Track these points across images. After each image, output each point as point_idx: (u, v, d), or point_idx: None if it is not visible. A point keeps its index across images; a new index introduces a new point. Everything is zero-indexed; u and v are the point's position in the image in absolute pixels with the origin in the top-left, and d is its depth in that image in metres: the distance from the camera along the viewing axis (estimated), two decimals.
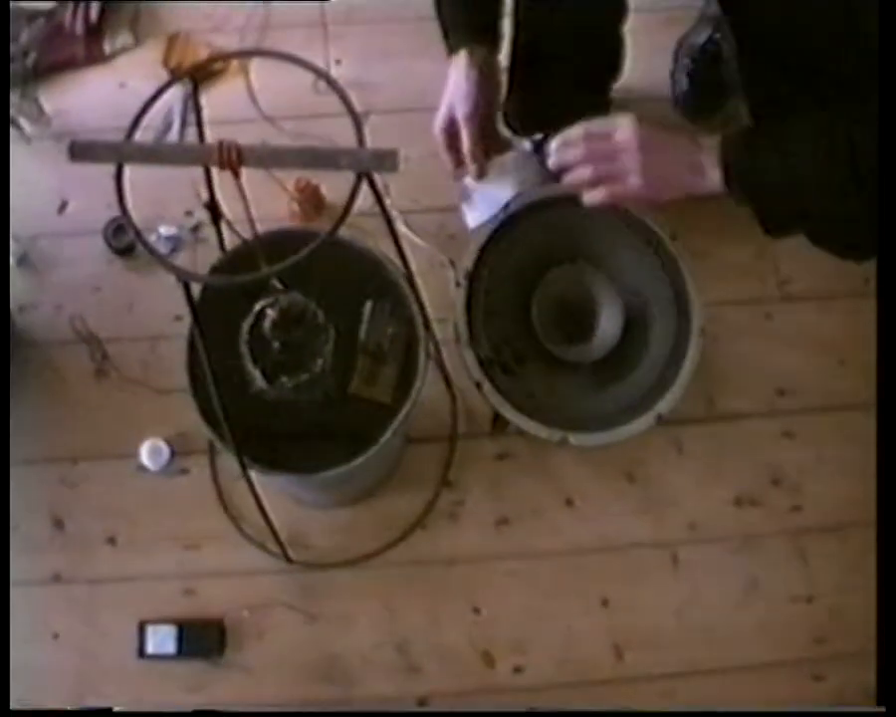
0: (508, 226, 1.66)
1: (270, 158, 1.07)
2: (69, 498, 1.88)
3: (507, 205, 1.63)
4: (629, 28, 1.83)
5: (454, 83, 1.59)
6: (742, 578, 1.86)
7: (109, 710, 1.76)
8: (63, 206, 2.06)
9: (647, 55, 2.07)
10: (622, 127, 1.43)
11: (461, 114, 1.57)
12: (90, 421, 1.92)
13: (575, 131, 1.45)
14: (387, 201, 1.24)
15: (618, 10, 1.77)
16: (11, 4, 2.07)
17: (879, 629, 1.42)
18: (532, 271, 1.67)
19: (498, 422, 1.83)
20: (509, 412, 1.60)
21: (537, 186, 1.66)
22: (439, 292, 1.69)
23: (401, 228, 1.44)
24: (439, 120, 1.60)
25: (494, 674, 1.81)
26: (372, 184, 1.11)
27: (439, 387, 1.83)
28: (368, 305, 1.52)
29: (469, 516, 1.88)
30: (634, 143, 1.42)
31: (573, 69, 1.72)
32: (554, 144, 1.46)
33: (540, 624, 1.83)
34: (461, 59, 1.58)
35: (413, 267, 1.43)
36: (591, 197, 1.45)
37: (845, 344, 1.98)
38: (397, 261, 1.42)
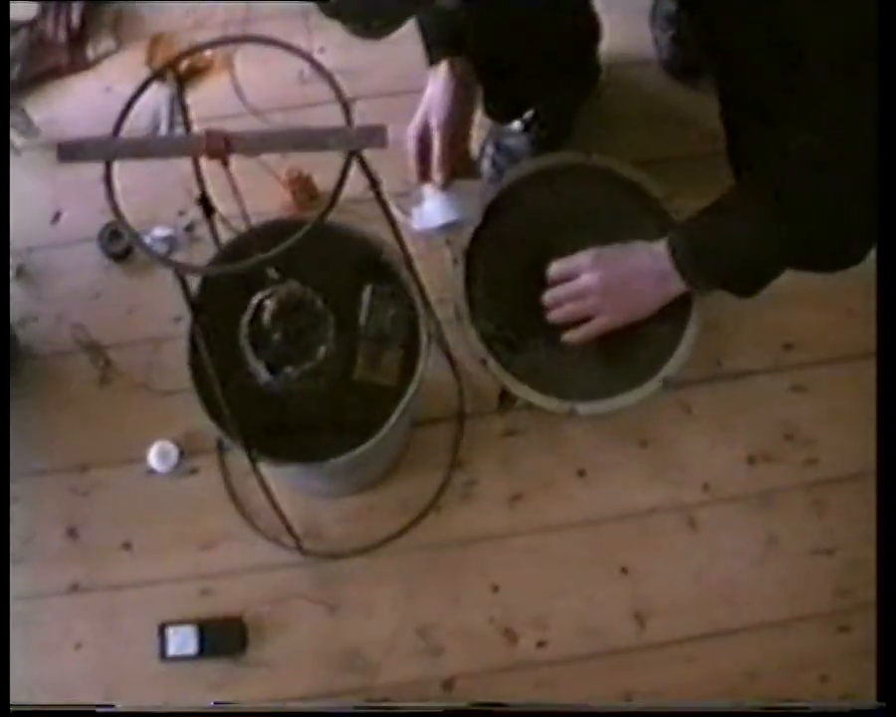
0: (505, 200, 1.65)
1: (258, 144, 1.07)
2: (81, 506, 1.88)
3: (444, 227, 1.63)
4: None
5: (432, 92, 1.59)
6: (760, 535, 1.86)
7: (110, 708, 1.76)
8: (56, 216, 2.05)
9: (628, 19, 2.07)
10: (584, 271, 1.58)
11: (435, 121, 1.57)
12: (97, 428, 1.91)
13: (553, 271, 1.61)
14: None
15: None
16: None
17: (879, 629, 1.42)
18: (531, 245, 1.66)
19: (505, 399, 1.83)
20: (515, 387, 1.59)
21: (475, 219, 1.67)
22: (438, 272, 1.69)
23: (395, 211, 1.43)
24: (412, 127, 1.59)
25: (517, 651, 1.80)
26: (363, 163, 1.10)
27: (443, 368, 1.82)
28: (368, 290, 1.51)
29: (482, 495, 1.87)
30: (598, 287, 1.57)
31: (544, 49, 1.70)
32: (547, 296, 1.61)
33: (560, 598, 1.82)
34: (441, 69, 1.58)
35: (410, 249, 1.42)
36: (570, 337, 1.60)
37: (851, 294, 1.96)
38: (394, 244, 1.42)
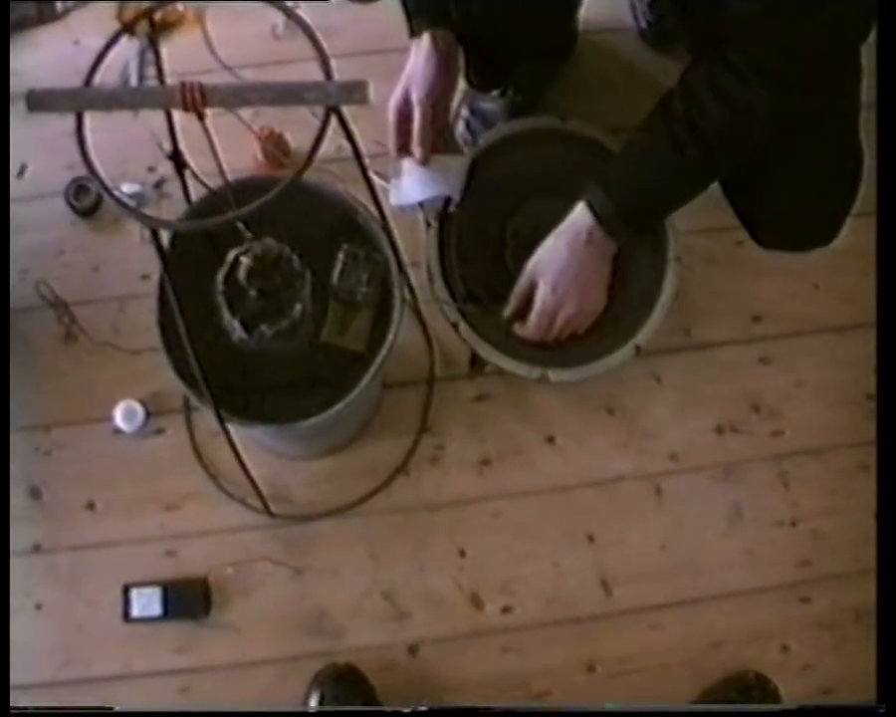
0: (480, 163, 1.64)
1: (234, 97, 1.04)
2: (45, 466, 1.86)
3: (422, 203, 1.61)
4: None
5: (414, 64, 1.55)
6: (725, 505, 1.87)
7: (110, 709, 1.75)
8: (22, 170, 2.01)
9: None
10: (535, 289, 1.55)
11: (417, 95, 1.54)
12: (61, 387, 1.89)
13: (509, 309, 1.59)
14: None
15: None
16: None
17: (879, 630, 1.43)
18: (505, 208, 1.65)
19: (476, 363, 1.82)
20: (486, 351, 1.59)
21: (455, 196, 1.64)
22: (411, 235, 1.67)
23: (371, 172, 1.41)
24: (392, 99, 1.56)
25: (483, 616, 1.81)
26: (342, 120, 1.09)
27: (415, 332, 1.82)
28: (342, 250, 1.49)
29: (450, 459, 1.87)
30: (551, 298, 1.54)
31: (527, 16, 1.68)
32: (517, 329, 1.60)
33: (526, 564, 1.83)
34: (424, 41, 1.54)
35: (385, 210, 1.41)
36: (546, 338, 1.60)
37: (819, 268, 1.98)
38: (368, 204, 1.40)
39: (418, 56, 1.54)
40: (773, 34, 1.28)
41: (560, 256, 1.53)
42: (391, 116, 1.56)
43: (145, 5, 2.06)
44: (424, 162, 1.56)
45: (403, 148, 1.57)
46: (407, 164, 1.59)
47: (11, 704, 1.43)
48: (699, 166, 1.47)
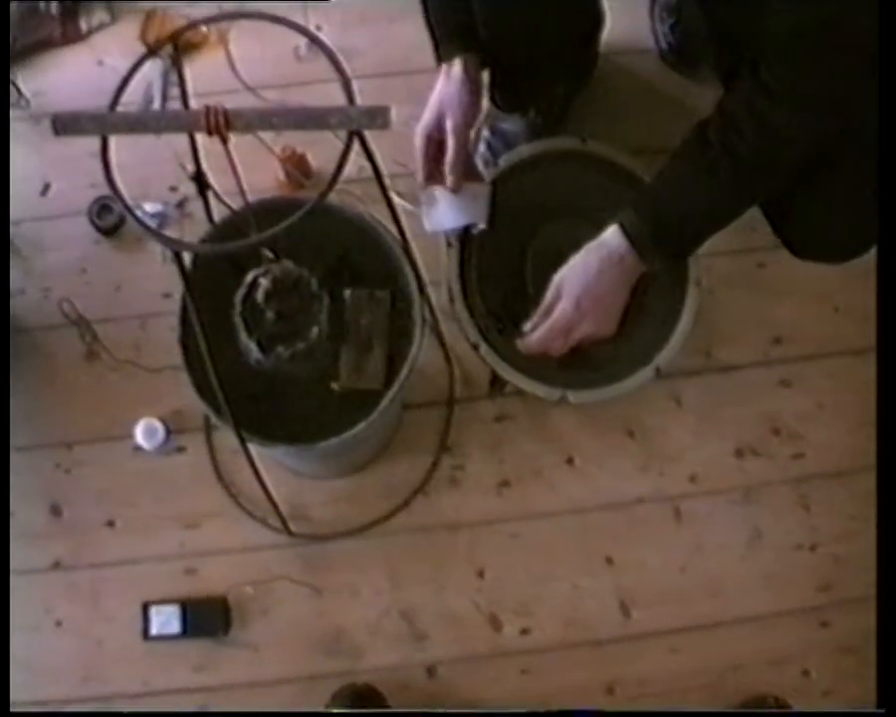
0: (500, 184, 1.64)
1: (258, 121, 1.05)
2: (65, 483, 1.86)
3: (466, 229, 1.62)
4: None
5: (447, 92, 1.55)
6: (745, 529, 1.86)
7: (110, 712, 1.77)
8: (45, 189, 2.03)
9: (628, 8, 2.05)
10: (556, 305, 1.53)
11: (452, 124, 1.54)
12: (83, 405, 1.90)
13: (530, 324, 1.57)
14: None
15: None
16: None
17: (879, 634, 1.42)
18: (525, 230, 1.65)
19: (495, 384, 1.82)
20: (506, 372, 1.59)
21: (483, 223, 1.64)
22: (431, 255, 1.68)
23: (392, 193, 1.42)
24: (423, 126, 1.56)
25: (501, 637, 1.81)
26: (364, 143, 1.09)
27: (435, 352, 1.82)
28: (346, 299, 1.50)
29: (470, 480, 1.87)
30: (574, 315, 1.52)
31: (552, 39, 1.69)
32: (518, 343, 1.58)
33: (545, 585, 1.83)
34: (455, 68, 1.55)
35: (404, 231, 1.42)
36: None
37: (839, 290, 1.97)
38: (389, 225, 1.41)
39: (450, 83, 1.55)
40: (806, 52, 1.28)
41: (589, 273, 1.52)
42: (421, 142, 1.56)
43: (169, 26, 2.10)
44: (457, 189, 1.57)
45: (432, 176, 1.58)
46: (439, 192, 1.60)
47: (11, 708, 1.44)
48: (735, 191, 1.45)
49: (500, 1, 1.54)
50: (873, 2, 1.23)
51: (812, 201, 1.56)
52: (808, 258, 1.67)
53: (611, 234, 1.51)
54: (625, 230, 1.49)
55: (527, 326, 1.57)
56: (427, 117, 1.56)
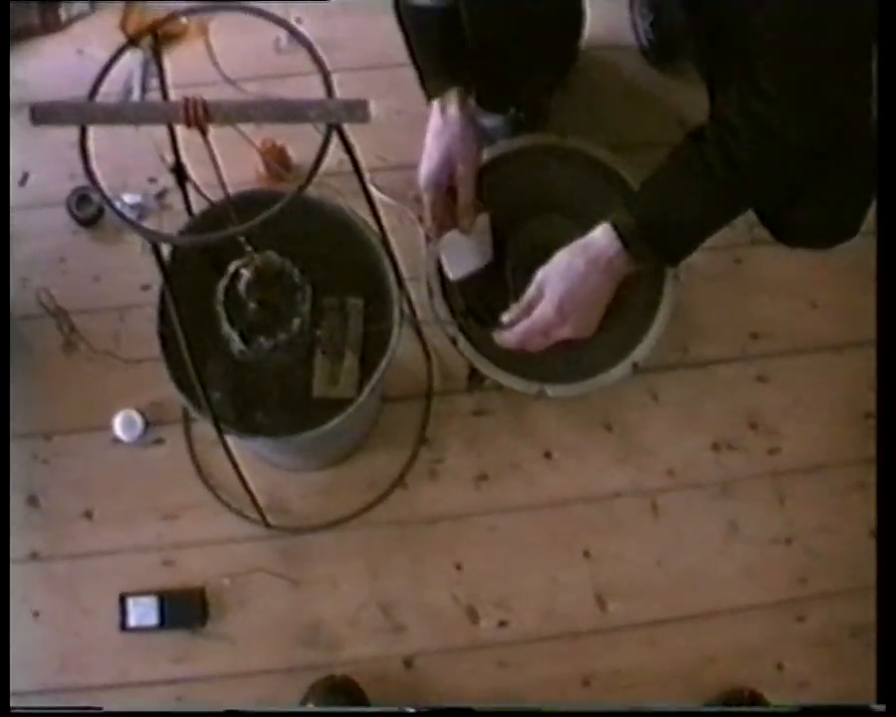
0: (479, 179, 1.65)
1: (237, 114, 1.05)
2: (43, 474, 1.86)
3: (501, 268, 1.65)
4: None
5: (450, 139, 1.57)
6: (722, 522, 1.87)
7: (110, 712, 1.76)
8: (24, 178, 2.02)
9: (608, 3, 2.06)
10: (536, 304, 1.53)
11: (463, 171, 1.57)
12: (61, 395, 1.89)
13: (508, 317, 1.56)
14: None
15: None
16: None
17: (879, 631, 1.43)
18: (504, 224, 1.66)
19: (474, 377, 1.83)
20: (485, 366, 1.59)
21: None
22: (410, 250, 1.68)
23: (370, 186, 1.42)
24: (431, 179, 1.58)
25: (479, 630, 1.81)
26: (343, 137, 1.10)
27: (414, 346, 1.82)
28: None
29: (448, 473, 1.87)
30: (555, 316, 1.51)
31: (536, 38, 1.70)
32: (496, 336, 1.58)
33: (522, 578, 1.83)
34: (452, 109, 1.57)
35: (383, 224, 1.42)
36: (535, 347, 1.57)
37: (816, 286, 1.99)
38: (368, 219, 1.41)
39: (449, 126, 1.57)
40: (799, 50, 1.28)
41: (573, 275, 1.50)
42: (431, 192, 1.58)
43: (149, 16, 2.09)
44: (470, 227, 1.61)
45: (443, 226, 1.61)
46: (453, 236, 1.62)
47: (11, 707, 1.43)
48: (732, 193, 1.45)
49: (488, 6, 1.54)
50: None
51: (800, 188, 1.55)
52: (795, 245, 1.67)
53: (601, 233, 1.49)
54: (618, 230, 1.47)
55: (504, 317, 1.57)
56: (432, 168, 1.57)
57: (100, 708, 1.75)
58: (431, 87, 1.59)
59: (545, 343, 1.55)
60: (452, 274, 1.62)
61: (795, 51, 1.29)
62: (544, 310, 1.52)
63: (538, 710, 1.79)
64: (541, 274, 1.53)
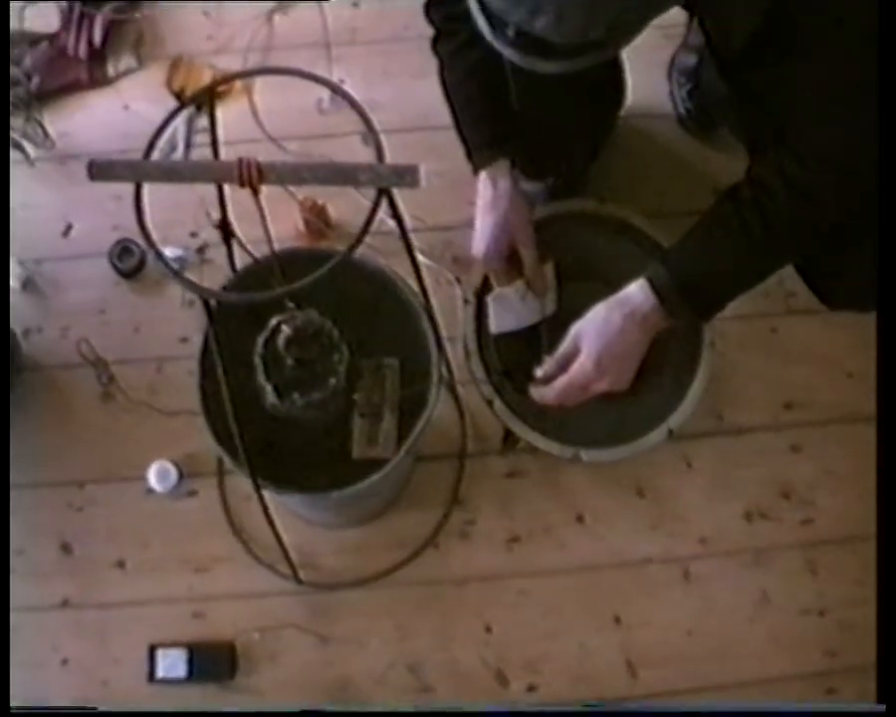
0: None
1: (290, 175, 1.07)
2: (76, 522, 1.87)
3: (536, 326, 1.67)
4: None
5: (506, 212, 1.60)
6: (753, 592, 1.86)
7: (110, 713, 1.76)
8: (67, 229, 2.05)
9: (647, 72, 2.07)
10: (573, 358, 1.54)
11: (525, 239, 1.62)
12: (97, 444, 1.91)
13: (545, 371, 1.58)
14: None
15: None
16: (13, 28, 2.09)
17: (879, 630, 1.42)
18: None
19: (508, 439, 1.83)
20: (520, 429, 1.60)
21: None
22: (446, 310, 1.69)
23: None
24: (491, 246, 1.61)
25: (507, 693, 1.79)
26: (392, 201, 1.11)
27: (449, 407, 1.83)
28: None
29: (480, 534, 1.87)
30: (593, 370, 1.52)
31: (579, 114, 1.72)
32: (533, 392, 1.59)
33: (552, 643, 1.82)
34: (503, 182, 1.60)
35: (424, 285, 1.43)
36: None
37: (851, 356, 1.99)
38: (407, 279, 1.42)
39: (501, 199, 1.60)
40: (834, 116, 1.30)
41: (611, 329, 1.51)
42: (494, 263, 1.62)
43: (195, 74, 2.13)
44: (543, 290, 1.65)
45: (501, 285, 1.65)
46: (505, 292, 1.65)
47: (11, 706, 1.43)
48: (766, 252, 1.47)
49: (535, 86, 1.56)
50: None
51: (841, 251, 1.56)
52: (840, 308, 1.68)
53: (637, 288, 1.51)
54: (653, 284, 1.49)
55: (539, 372, 1.58)
56: (492, 239, 1.61)
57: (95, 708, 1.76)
58: (479, 159, 1.62)
59: (583, 396, 1.55)
60: (494, 328, 1.63)
61: (829, 118, 1.31)
62: (583, 365, 1.53)
63: (538, 711, 1.77)
64: (576, 328, 1.55)
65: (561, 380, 1.55)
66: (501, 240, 1.60)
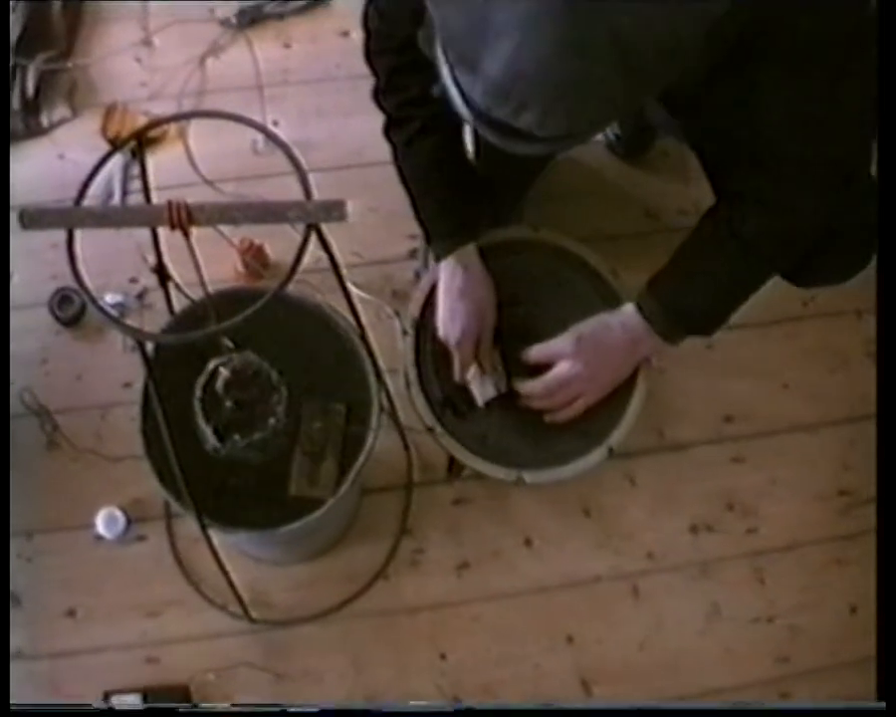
0: None
1: (219, 216, 1.09)
2: (26, 572, 1.85)
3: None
4: None
5: (478, 295, 1.61)
6: (703, 603, 1.89)
7: (111, 709, 1.74)
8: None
9: None
10: (566, 358, 1.56)
11: (491, 321, 1.63)
12: (44, 494, 1.90)
13: (532, 355, 1.60)
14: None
15: None
16: None
17: (879, 629, 1.44)
18: None
19: (453, 467, 1.84)
20: (463, 455, 1.61)
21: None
22: (388, 342, 1.71)
23: (348, 283, 1.45)
24: (467, 332, 1.60)
25: None
26: (321, 236, 1.13)
27: (393, 437, 1.84)
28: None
29: (430, 563, 1.88)
30: (584, 374, 1.55)
31: (540, 165, 1.77)
32: (520, 386, 1.61)
33: (507, 666, 1.83)
34: (473, 262, 1.61)
35: (362, 320, 1.45)
36: (554, 418, 1.60)
37: (787, 367, 2.03)
38: (346, 315, 1.44)
39: (471, 282, 1.61)
40: (805, 140, 1.30)
41: (612, 340, 1.56)
42: (466, 350, 1.61)
43: (129, 121, 2.14)
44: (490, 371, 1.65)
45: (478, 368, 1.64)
46: (478, 370, 1.65)
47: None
48: (746, 269, 1.49)
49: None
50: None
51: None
52: (811, 285, 1.70)
53: (633, 311, 1.55)
54: (641, 310, 1.53)
55: (528, 354, 1.61)
56: (467, 325, 1.61)
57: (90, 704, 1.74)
58: (444, 247, 1.61)
59: (565, 398, 1.58)
60: (481, 402, 1.64)
61: (801, 140, 1.31)
62: (574, 366, 1.56)
63: (537, 710, 1.78)
64: (575, 332, 1.57)
65: (550, 374, 1.57)
66: (475, 324, 1.61)
